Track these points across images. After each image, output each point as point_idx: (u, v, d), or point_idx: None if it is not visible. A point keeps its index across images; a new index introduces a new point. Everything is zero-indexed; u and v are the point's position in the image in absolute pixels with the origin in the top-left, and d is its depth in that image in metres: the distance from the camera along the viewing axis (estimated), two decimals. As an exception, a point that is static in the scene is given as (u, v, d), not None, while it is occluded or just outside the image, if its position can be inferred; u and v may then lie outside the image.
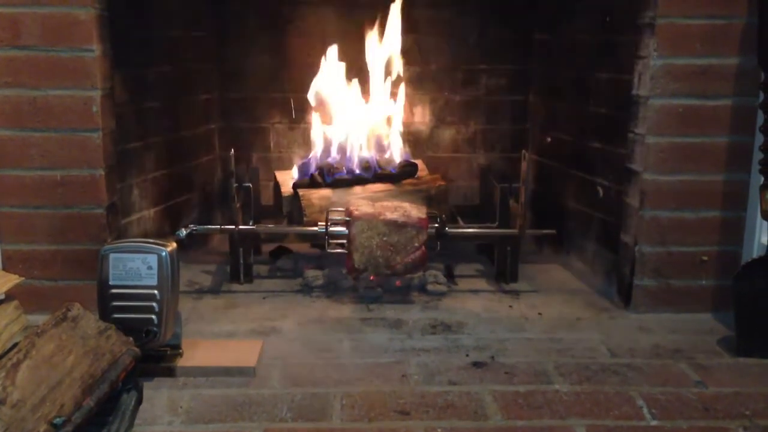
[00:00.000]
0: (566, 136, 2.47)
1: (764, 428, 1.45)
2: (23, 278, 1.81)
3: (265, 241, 2.44)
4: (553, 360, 1.73)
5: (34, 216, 1.89)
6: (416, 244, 2.02)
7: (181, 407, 1.50)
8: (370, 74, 2.53)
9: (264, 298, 2.13)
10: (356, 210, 2.06)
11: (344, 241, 2.06)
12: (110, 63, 1.91)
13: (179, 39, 2.45)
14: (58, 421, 1.18)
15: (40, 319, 1.49)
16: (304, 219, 2.26)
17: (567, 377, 1.65)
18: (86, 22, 1.80)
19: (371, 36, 2.52)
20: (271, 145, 2.78)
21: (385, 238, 2.01)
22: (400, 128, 2.57)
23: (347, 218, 2.05)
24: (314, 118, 2.51)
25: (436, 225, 2.09)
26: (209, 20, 2.63)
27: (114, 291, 1.57)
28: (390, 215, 2.04)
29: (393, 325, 1.94)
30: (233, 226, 2.14)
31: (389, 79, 2.55)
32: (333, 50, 2.50)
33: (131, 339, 1.48)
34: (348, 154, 2.44)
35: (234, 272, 2.23)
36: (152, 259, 1.58)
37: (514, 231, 2.17)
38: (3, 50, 1.81)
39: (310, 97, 2.50)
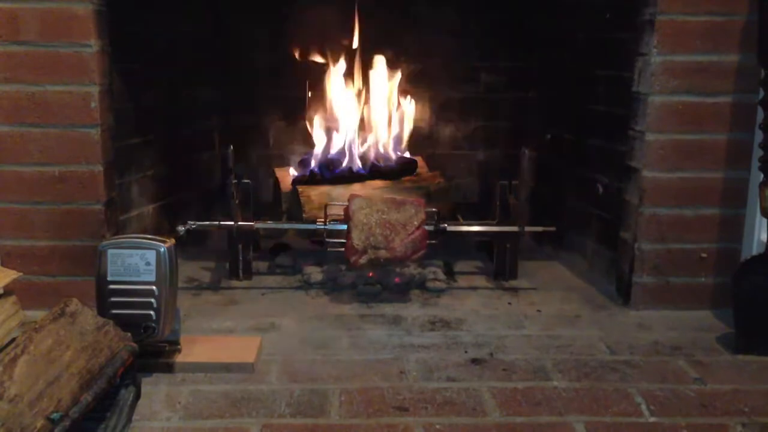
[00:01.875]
0: (566, 133, 2.47)
1: (762, 425, 1.45)
2: (21, 273, 1.80)
3: (264, 237, 2.44)
4: (552, 357, 1.73)
5: (32, 211, 1.89)
6: (415, 223, 2.01)
7: (179, 403, 1.50)
8: (371, 72, 2.54)
9: (263, 294, 2.13)
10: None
11: (343, 244, 2.06)
12: (109, 59, 1.91)
13: (179, 35, 2.45)
14: (55, 416, 1.18)
15: (38, 314, 1.49)
16: (303, 215, 2.26)
17: (566, 374, 1.65)
18: (84, 18, 1.80)
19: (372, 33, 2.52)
20: (271, 141, 2.78)
21: (384, 216, 2.00)
22: (401, 126, 2.57)
23: (346, 203, 2.05)
24: (314, 115, 2.51)
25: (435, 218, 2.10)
26: (209, 16, 2.62)
27: (112, 287, 1.57)
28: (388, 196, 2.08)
29: (392, 321, 1.94)
30: (232, 223, 2.14)
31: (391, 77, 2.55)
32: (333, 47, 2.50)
33: (129, 335, 1.47)
34: (347, 150, 2.44)
35: (233, 268, 2.23)
36: (151, 255, 1.57)
37: (514, 228, 2.17)
38: (1, 45, 1.81)
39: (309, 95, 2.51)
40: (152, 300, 1.57)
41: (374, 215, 2.00)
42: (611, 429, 1.43)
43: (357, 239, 1.99)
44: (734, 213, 1.96)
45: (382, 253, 1.99)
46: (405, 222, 2.01)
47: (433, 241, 2.10)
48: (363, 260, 2.00)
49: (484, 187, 2.60)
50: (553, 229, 2.25)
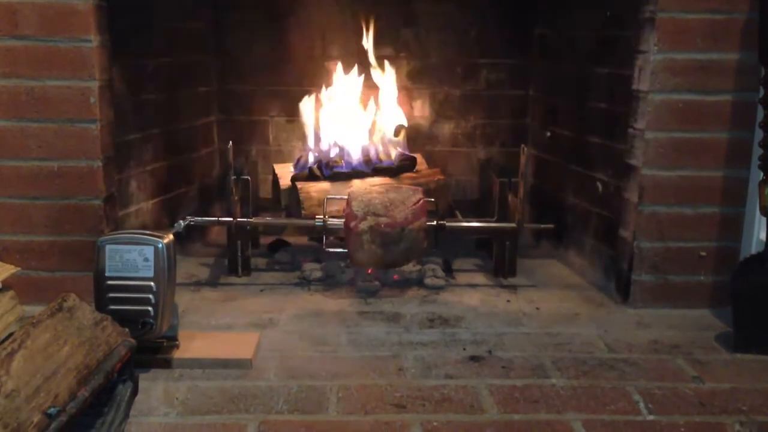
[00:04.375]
0: (566, 130, 2.47)
1: (760, 424, 1.45)
2: (20, 268, 1.80)
3: (263, 233, 2.44)
4: (550, 354, 1.73)
5: (31, 206, 1.88)
6: (414, 200, 2.02)
7: (177, 399, 1.50)
8: (370, 67, 2.53)
9: (261, 290, 2.13)
10: None
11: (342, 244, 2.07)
12: (108, 54, 1.90)
13: (178, 30, 2.44)
14: (52, 411, 1.18)
15: (36, 309, 1.49)
16: (302, 212, 2.26)
17: (564, 372, 1.64)
18: (84, 12, 1.79)
19: (371, 29, 2.52)
20: (270, 138, 2.78)
21: (383, 195, 2.02)
22: (400, 122, 2.57)
23: (345, 197, 2.06)
24: (313, 111, 2.51)
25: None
26: (208, 12, 2.62)
27: (110, 282, 1.57)
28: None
29: (390, 318, 1.94)
30: (231, 219, 2.13)
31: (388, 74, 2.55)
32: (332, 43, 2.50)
33: (127, 330, 1.47)
34: (347, 147, 2.43)
35: (232, 265, 2.23)
36: (149, 251, 1.57)
37: (513, 225, 2.17)
38: (0, 40, 1.80)
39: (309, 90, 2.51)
40: (150, 296, 1.57)
41: (373, 192, 2.03)
42: (609, 427, 1.43)
43: (357, 207, 1.98)
44: (734, 211, 1.95)
45: (383, 220, 1.96)
46: (404, 199, 2.02)
47: (432, 221, 2.10)
48: (363, 225, 1.96)
49: (483, 184, 2.59)
50: (552, 226, 2.25)
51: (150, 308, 1.57)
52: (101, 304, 1.56)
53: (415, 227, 2.00)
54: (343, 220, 2.03)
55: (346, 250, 2.05)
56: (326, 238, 2.15)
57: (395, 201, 2.00)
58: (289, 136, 2.76)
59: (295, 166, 2.44)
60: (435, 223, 2.10)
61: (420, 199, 2.04)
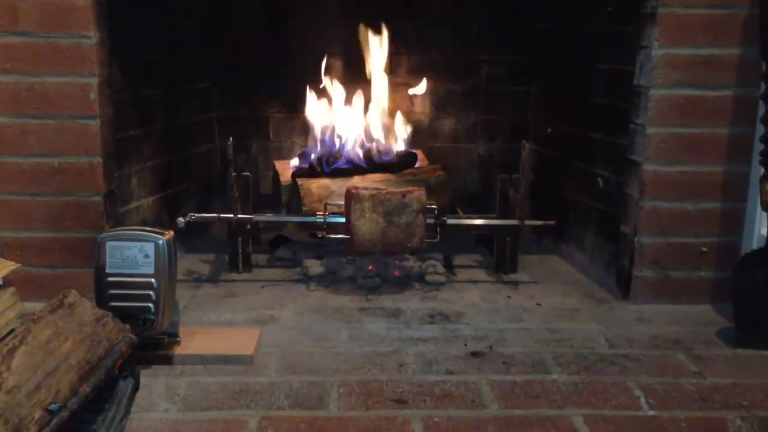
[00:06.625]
0: (567, 126, 2.46)
1: (761, 419, 1.45)
2: (20, 265, 1.80)
3: (263, 230, 2.43)
4: (551, 350, 1.73)
5: (31, 203, 1.89)
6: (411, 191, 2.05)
7: (178, 395, 1.50)
8: (370, 65, 2.53)
9: (262, 287, 2.13)
10: None
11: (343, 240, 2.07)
12: (108, 50, 1.90)
13: (178, 27, 2.44)
14: (53, 407, 1.18)
15: (36, 306, 1.49)
16: (303, 208, 2.26)
17: (565, 367, 1.64)
18: (84, 9, 1.79)
19: (371, 26, 2.51)
20: (271, 134, 2.78)
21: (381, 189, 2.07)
22: (400, 118, 2.57)
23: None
24: (314, 107, 2.50)
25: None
26: (208, 8, 2.61)
27: (111, 279, 1.57)
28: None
29: (391, 314, 1.94)
30: (232, 215, 2.13)
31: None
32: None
33: (128, 326, 1.47)
34: (347, 143, 2.43)
35: (232, 261, 2.23)
36: (149, 247, 1.57)
37: (514, 221, 2.17)
38: (0, 36, 1.80)
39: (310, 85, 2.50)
40: (151, 292, 1.57)
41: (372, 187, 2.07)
42: (610, 422, 1.43)
43: (358, 185, 2.04)
44: (735, 207, 1.95)
45: (383, 191, 2.01)
46: (403, 192, 2.05)
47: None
48: (364, 193, 2.00)
49: (484, 180, 2.60)
50: (553, 222, 2.25)
51: (151, 304, 1.57)
52: (102, 301, 1.56)
53: (415, 196, 2.01)
54: (344, 220, 2.04)
55: (347, 236, 2.04)
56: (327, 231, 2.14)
57: (395, 191, 2.05)
58: (290, 132, 2.75)
59: (302, 157, 2.44)
60: (435, 216, 2.10)
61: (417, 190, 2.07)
